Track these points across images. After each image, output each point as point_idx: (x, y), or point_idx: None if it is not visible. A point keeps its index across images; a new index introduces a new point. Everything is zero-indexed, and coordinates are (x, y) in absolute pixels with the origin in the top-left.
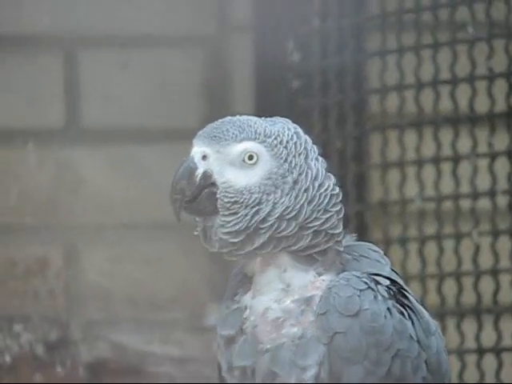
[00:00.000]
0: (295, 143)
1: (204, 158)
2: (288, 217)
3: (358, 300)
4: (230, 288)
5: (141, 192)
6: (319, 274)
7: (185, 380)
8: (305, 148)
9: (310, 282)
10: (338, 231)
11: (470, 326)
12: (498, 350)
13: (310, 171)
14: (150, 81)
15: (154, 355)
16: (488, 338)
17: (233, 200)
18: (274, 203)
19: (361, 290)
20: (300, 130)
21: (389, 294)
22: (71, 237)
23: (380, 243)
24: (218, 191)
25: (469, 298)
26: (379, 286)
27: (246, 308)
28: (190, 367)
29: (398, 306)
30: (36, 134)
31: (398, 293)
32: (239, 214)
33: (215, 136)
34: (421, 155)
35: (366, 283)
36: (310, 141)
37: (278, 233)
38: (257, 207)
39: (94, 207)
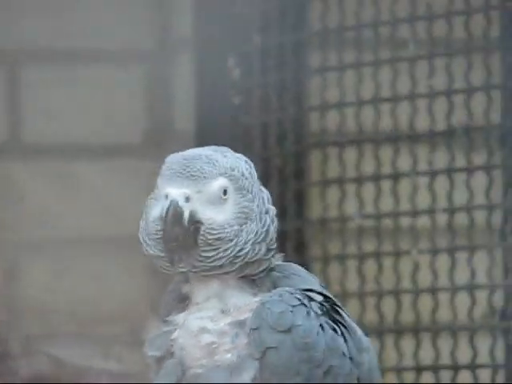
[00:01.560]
0: (250, 173)
1: (187, 199)
2: (259, 240)
3: (290, 316)
4: (164, 306)
5: (82, 207)
6: (254, 295)
7: None
8: (253, 174)
9: (245, 304)
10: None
11: (408, 344)
12: (436, 368)
13: (262, 194)
14: (92, 96)
15: (94, 370)
16: (426, 355)
17: (216, 236)
18: (247, 232)
19: (294, 306)
20: (245, 157)
21: (322, 310)
22: (12, 251)
23: (319, 260)
24: (203, 228)
25: (407, 316)
26: (312, 303)
27: (175, 329)
28: (129, 382)
29: (331, 322)
30: None
31: (330, 309)
32: (220, 249)
33: (192, 175)
34: (361, 172)
35: (298, 299)
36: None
37: (251, 258)
38: (235, 239)
39: (36, 222)
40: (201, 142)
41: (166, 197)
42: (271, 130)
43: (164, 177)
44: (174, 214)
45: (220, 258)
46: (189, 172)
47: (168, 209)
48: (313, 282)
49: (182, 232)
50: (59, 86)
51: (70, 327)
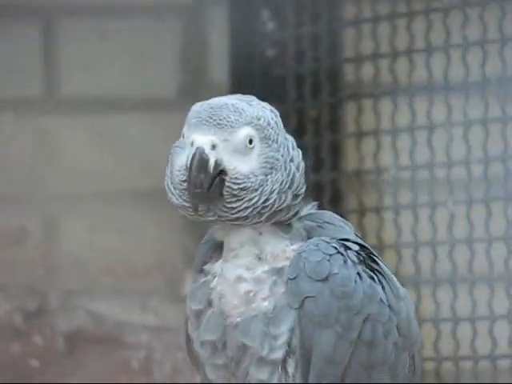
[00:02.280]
0: (276, 122)
1: (213, 147)
2: (284, 189)
3: (327, 264)
4: (198, 257)
5: (118, 161)
6: (290, 242)
7: (162, 349)
8: (279, 123)
9: (282, 251)
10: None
11: (445, 295)
12: (473, 319)
13: (287, 142)
14: (127, 50)
15: (132, 324)
16: (463, 306)
17: (241, 186)
18: (272, 182)
19: (330, 255)
20: (270, 106)
21: (358, 258)
22: (49, 207)
23: (355, 212)
24: (228, 178)
25: (444, 267)
26: (349, 251)
27: (214, 277)
28: (167, 336)
29: (368, 270)
30: (13, 104)
31: (367, 258)
32: (245, 200)
33: (219, 124)
34: (396, 124)
35: (335, 248)
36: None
37: (278, 206)
38: (260, 189)
39: (72, 177)
40: (235, 94)
41: (192, 144)
42: (306, 82)
43: (190, 125)
44: (199, 161)
45: (245, 209)
46: (215, 120)
47: (194, 156)
48: (347, 231)
49: (207, 180)
50: (95, 40)
51: (107, 282)
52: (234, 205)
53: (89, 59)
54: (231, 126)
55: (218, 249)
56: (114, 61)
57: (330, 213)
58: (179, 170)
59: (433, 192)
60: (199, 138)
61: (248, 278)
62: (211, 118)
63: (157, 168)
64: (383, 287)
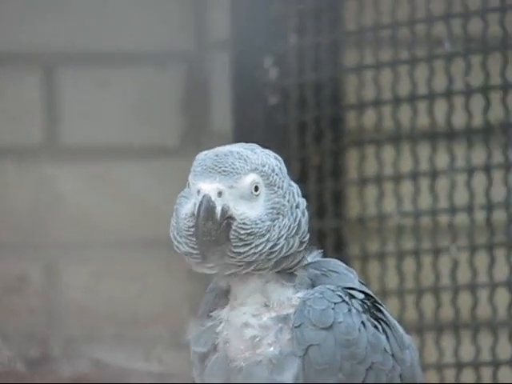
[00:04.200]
0: (280, 168)
1: (219, 194)
2: (291, 235)
3: (332, 313)
4: (205, 304)
5: (121, 209)
6: (295, 290)
7: None
8: (283, 169)
9: (288, 299)
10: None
11: (448, 341)
12: (476, 365)
13: (292, 188)
14: (129, 98)
15: (135, 372)
16: (466, 352)
17: (249, 231)
18: (279, 227)
19: (335, 303)
20: (274, 153)
21: (363, 307)
22: (51, 254)
23: (358, 259)
24: (235, 224)
25: (447, 313)
26: (353, 300)
27: (220, 322)
28: (171, 383)
29: (372, 319)
30: (15, 152)
31: (372, 306)
32: (252, 245)
33: (224, 171)
34: (398, 170)
35: (340, 296)
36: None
37: (286, 252)
38: (267, 235)
39: (75, 224)
40: (238, 142)
41: (198, 192)
42: (308, 129)
43: (196, 173)
44: (206, 209)
45: (252, 254)
46: (221, 168)
47: (201, 204)
48: (351, 278)
49: (215, 227)
50: (96, 88)
51: (111, 329)
52: (241, 250)
53: (90, 107)
54: (237, 173)
55: (223, 296)
56: (115, 109)
57: (335, 260)
58: (185, 218)
59: (436, 238)
60: (205, 186)
61: (254, 324)
62: (216, 165)
63: (160, 215)
64: (387, 336)
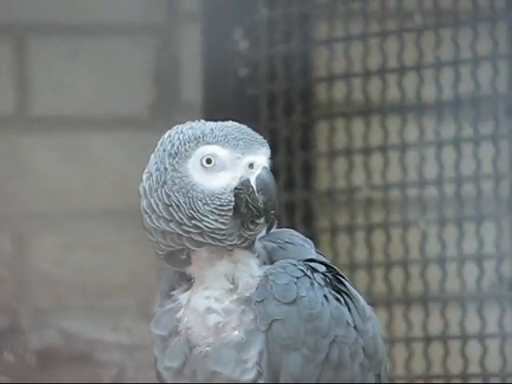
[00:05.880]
0: None
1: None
2: None
3: (295, 287)
4: (165, 281)
5: (90, 180)
6: (259, 268)
7: (133, 367)
8: None
9: (253, 278)
10: None
11: (416, 315)
12: (444, 338)
13: None
14: (99, 69)
15: (103, 342)
16: (435, 326)
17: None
18: None
19: (298, 278)
20: None
21: (325, 280)
22: (20, 225)
23: (327, 231)
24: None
25: (416, 287)
26: (315, 274)
27: (181, 307)
28: (139, 355)
29: (335, 292)
30: None
31: (333, 279)
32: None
33: (264, 143)
34: (368, 143)
35: (302, 271)
36: None
37: None
38: None
39: (44, 195)
40: (208, 113)
41: (252, 165)
42: (278, 102)
43: (257, 143)
44: (273, 180)
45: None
46: (260, 139)
47: (266, 176)
48: (308, 250)
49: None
50: (67, 59)
51: (80, 300)
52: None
53: (61, 78)
54: (268, 146)
55: (183, 277)
56: (86, 80)
57: (289, 230)
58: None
59: (405, 211)
60: (259, 159)
61: (217, 309)
62: (254, 137)
63: (129, 187)
64: (349, 309)
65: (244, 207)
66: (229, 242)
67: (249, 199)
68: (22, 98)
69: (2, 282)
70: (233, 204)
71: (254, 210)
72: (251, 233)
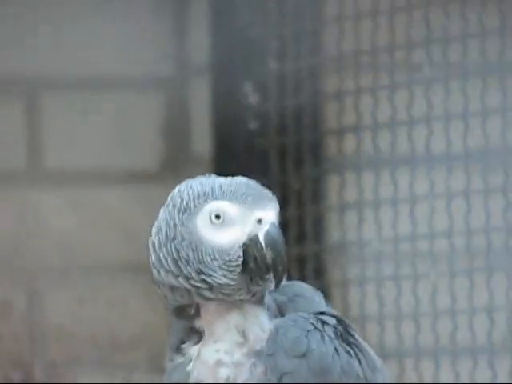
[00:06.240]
0: None
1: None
2: None
3: (305, 340)
4: (174, 334)
5: (103, 234)
6: (269, 321)
7: None
8: None
9: (263, 331)
10: None
11: (427, 367)
12: None
13: None
14: (110, 123)
15: None
16: (446, 378)
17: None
18: None
19: (308, 331)
20: None
21: (335, 333)
22: (34, 279)
23: (338, 284)
24: None
25: (427, 339)
26: (326, 327)
27: (190, 360)
28: None
29: (345, 345)
30: None
31: (344, 331)
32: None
33: (272, 198)
34: (378, 196)
35: (312, 324)
36: None
37: None
38: None
39: (57, 249)
40: (218, 166)
41: (260, 221)
42: (288, 155)
43: (245, 201)
44: (281, 236)
45: (269, 282)
46: (268, 195)
47: (274, 232)
48: (319, 302)
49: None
50: (78, 114)
51: (92, 353)
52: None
53: (72, 132)
54: (277, 201)
55: (193, 328)
56: (97, 134)
57: (298, 283)
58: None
59: (415, 264)
60: (266, 214)
61: (228, 362)
62: (262, 192)
63: (140, 241)
64: (360, 361)
65: (252, 263)
66: (237, 297)
67: (257, 255)
68: (34, 153)
69: (17, 336)
70: (241, 259)
71: (262, 266)
72: (259, 288)
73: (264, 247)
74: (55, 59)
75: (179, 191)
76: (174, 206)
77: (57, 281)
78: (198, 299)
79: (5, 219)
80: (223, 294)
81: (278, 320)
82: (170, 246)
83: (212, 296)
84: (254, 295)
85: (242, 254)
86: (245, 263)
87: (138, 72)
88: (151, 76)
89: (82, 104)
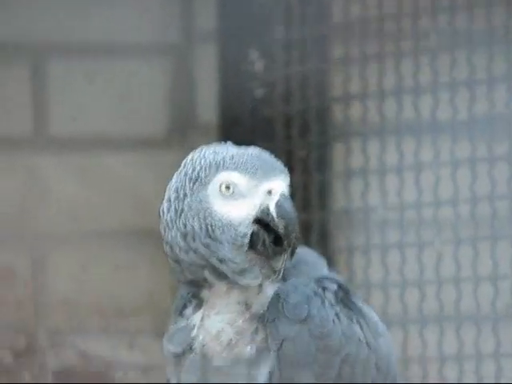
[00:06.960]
0: None
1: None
2: None
3: (305, 306)
4: (178, 299)
5: (107, 199)
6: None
7: None
8: None
9: (267, 298)
10: None
11: (431, 334)
12: (459, 358)
13: None
14: (116, 89)
15: (120, 362)
16: (450, 345)
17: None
18: None
19: (308, 296)
20: None
21: (336, 299)
22: (38, 245)
23: (343, 251)
24: None
25: (431, 306)
26: (327, 292)
27: (194, 326)
28: (155, 374)
29: (346, 310)
30: (3, 142)
31: (345, 297)
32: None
33: (282, 169)
34: (384, 163)
35: (313, 289)
36: None
37: None
38: None
39: (62, 215)
40: (224, 133)
41: (270, 192)
42: (294, 122)
43: (255, 172)
44: (293, 207)
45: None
46: (278, 166)
47: (285, 203)
48: (321, 267)
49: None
50: (84, 80)
51: (96, 320)
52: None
53: (78, 99)
54: (287, 173)
55: (196, 296)
56: (103, 100)
57: (301, 248)
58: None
59: (420, 232)
60: (277, 185)
61: (230, 329)
62: (272, 164)
63: (146, 206)
64: (361, 326)
65: (261, 245)
66: (249, 280)
67: (271, 224)
68: (39, 119)
69: (21, 302)
70: (248, 237)
71: (270, 246)
72: (278, 264)
73: (275, 217)
74: (61, 26)
75: (192, 159)
76: (185, 174)
77: (61, 247)
78: (209, 277)
79: (10, 185)
80: (233, 272)
81: (280, 285)
82: (179, 222)
83: (221, 276)
84: (274, 275)
85: (250, 231)
86: (252, 244)
87: (145, 38)
88: (158, 42)
89: (87, 70)
